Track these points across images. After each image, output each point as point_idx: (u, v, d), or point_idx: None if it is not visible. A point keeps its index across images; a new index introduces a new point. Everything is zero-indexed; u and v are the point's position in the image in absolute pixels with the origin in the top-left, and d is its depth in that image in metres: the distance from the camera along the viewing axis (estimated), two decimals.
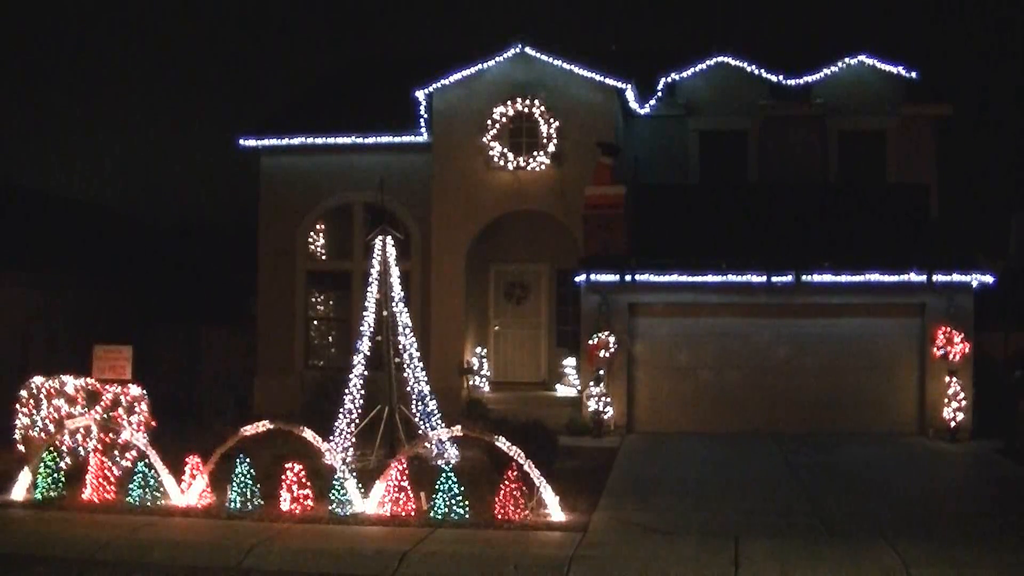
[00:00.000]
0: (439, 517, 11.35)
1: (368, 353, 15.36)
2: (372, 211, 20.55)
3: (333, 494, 11.72)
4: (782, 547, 10.17)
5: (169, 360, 23.42)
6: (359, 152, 21.50)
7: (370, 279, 15.53)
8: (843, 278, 17.52)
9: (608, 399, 18.14)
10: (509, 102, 20.05)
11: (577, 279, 18.58)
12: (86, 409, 14.29)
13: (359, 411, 15.15)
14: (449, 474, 11.57)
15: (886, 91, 21.41)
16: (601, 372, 18.15)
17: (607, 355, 18.13)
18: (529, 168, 20.06)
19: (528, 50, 20.01)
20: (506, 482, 11.33)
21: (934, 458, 16.05)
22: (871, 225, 18.77)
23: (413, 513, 11.56)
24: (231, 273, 26.23)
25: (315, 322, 22.56)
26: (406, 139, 21.19)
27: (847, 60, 21.37)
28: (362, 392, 15.17)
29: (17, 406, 14.68)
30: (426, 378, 15.57)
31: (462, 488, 11.50)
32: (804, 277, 17.57)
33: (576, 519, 11.36)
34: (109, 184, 44.53)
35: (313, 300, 22.50)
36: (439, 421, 15.38)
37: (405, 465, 11.87)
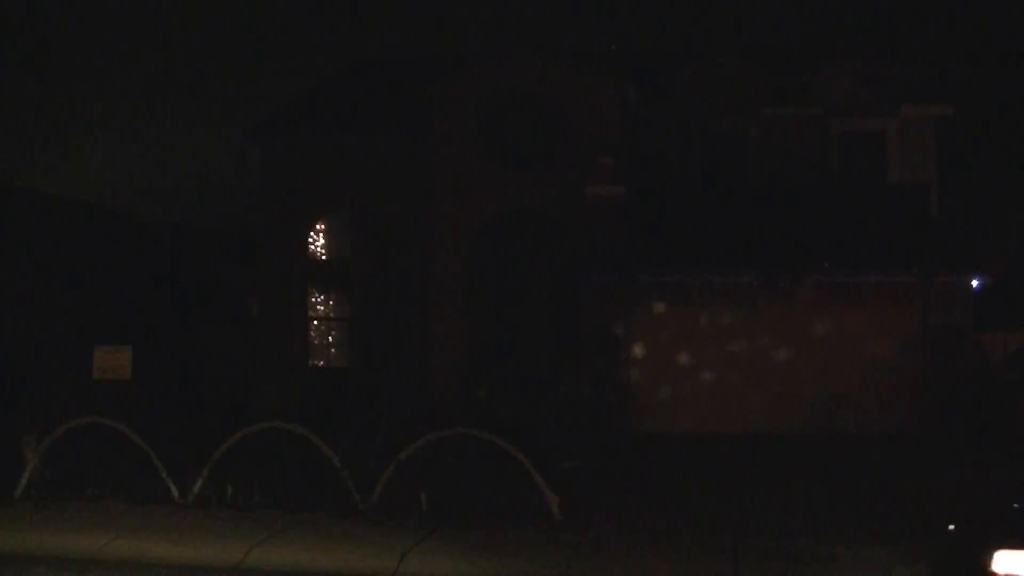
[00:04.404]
0: (439, 517, 11.35)
1: (368, 353, 15.37)
2: (373, 211, 20.55)
3: (333, 494, 11.71)
4: (782, 547, 10.18)
5: (169, 360, 23.41)
6: (360, 152, 21.49)
7: (370, 279, 15.53)
8: (843, 278, 17.51)
9: (608, 399, 18.13)
10: (509, 102, 20.04)
11: (577, 279, 18.57)
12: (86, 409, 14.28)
13: (359, 411, 15.15)
14: (449, 474, 11.56)
15: (886, 91, 21.41)
16: (601, 372, 18.14)
17: (607, 355, 18.12)
18: (529, 168, 20.05)
19: (528, 50, 20.00)
20: (506, 482, 11.32)
21: (934, 458, 16.03)
22: (871, 225, 18.76)
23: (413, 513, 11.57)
24: (231, 273, 26.22)
25: (315, 322, 22.55)
26: (407, 139, 21.18)
27: (847, 60, 21.36)
28: (362, 392, 15.17)
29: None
30: (426, 378, 15.56)
31: (461, 488, 11.49)
32: (804, 277, 17.57)
33: (576, 519, 11.36)
34: (110, 184, 44.59)
35: (313, 300, 22.49)
36: (439, 421, 15.36)
37: (405, 465, 11.87)
